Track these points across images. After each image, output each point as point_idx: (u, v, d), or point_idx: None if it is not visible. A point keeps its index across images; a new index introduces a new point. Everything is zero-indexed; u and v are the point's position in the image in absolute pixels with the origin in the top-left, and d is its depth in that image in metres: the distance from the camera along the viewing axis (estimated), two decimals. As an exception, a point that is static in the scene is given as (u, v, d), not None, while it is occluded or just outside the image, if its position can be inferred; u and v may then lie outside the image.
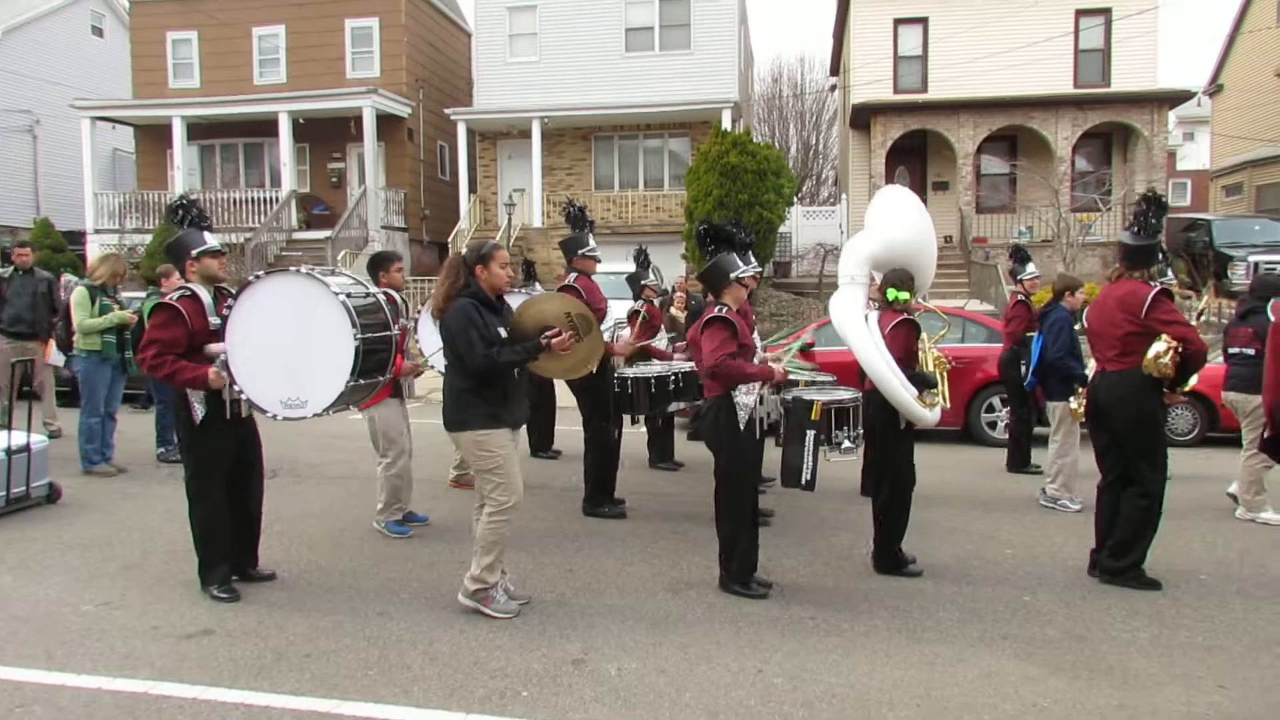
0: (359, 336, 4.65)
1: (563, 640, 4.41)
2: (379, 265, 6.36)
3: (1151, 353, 5.06)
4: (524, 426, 5.34)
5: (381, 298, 5.26)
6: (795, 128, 39.22)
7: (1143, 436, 5.23)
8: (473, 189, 23.81)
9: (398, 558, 5.70)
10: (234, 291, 4.88)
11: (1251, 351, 6.75)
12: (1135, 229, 5.25)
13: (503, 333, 4.58)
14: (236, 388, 4.76)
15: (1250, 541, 6.22)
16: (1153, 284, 5.15)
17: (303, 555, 5.73)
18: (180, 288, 4.93)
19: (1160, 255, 5.26)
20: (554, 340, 4.56)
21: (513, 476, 4.61)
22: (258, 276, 4.83)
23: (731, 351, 4.79)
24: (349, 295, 4.80)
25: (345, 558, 5.71)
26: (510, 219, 22.06)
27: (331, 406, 4.79)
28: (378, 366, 4.99)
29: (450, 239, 22.68)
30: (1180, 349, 5.05)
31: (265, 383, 4.75)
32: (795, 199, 22.71)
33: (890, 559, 5.50)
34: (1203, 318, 15.52)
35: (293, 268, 4.93)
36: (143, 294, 10.85)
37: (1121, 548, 5.28)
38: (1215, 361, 8.33)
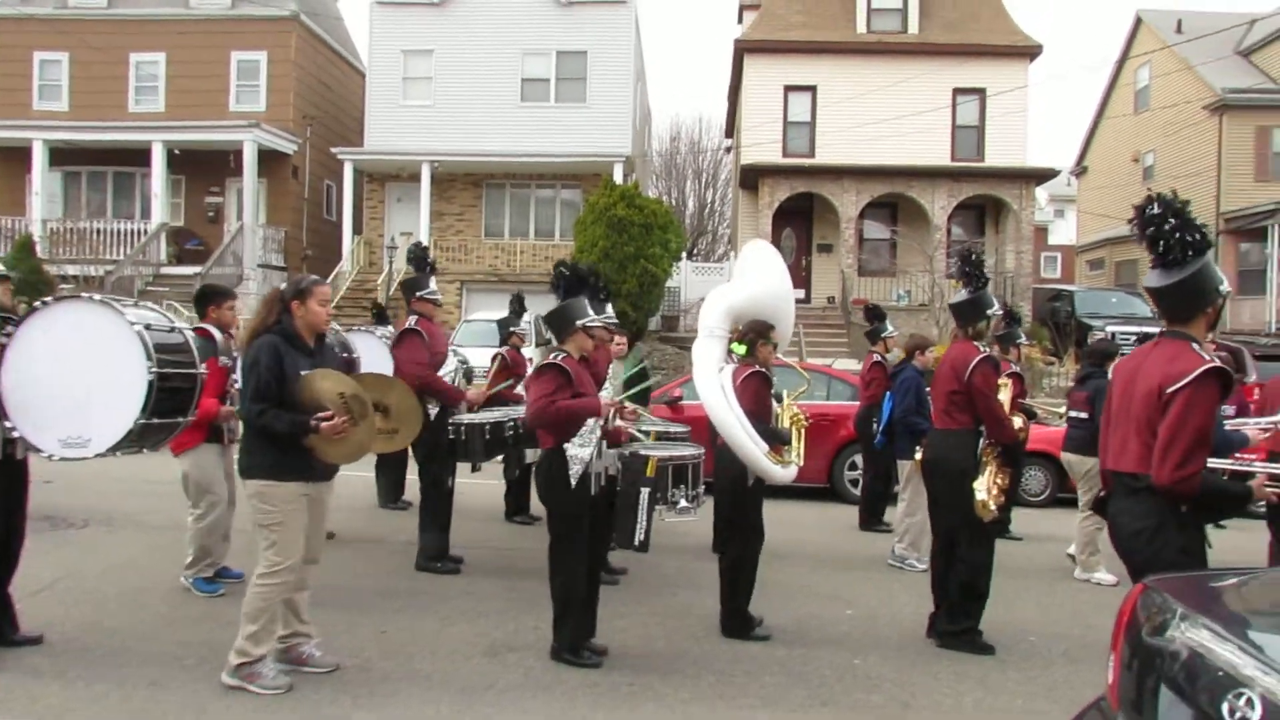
0: (154, 370, 4.25)
1: (356, 711, 4.03)
2: (209, 299, 5.89)
3: (979, 498, 5.01)
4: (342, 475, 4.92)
5: (190, 334, 4.86)
6: (692, 186, 39.90)
7: (961, 502, 5.08)
8: (358, 230, 23.26)
9: (196, 618, 5.19)
10: (17, 319, 4.43)
11: (1085, 415, 6.89)
12: (968, 286, 5.30)
13: None
14: (8, 424, 4.29)
15: (1081, 602, 6.27)
16: (982, 349, 5.17)
17: (84, 615, 5.15)
18: None
19: (988, 312, 5.27)
20: (324, 425, 4.08)
21: (292, 535, 4.18)
22: (44, 303, 4.41)
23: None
24: (148, 327, 4.41)
25: (135, 618, 5.16)
26: (394, 262, 21.55)
27: (118, 446, 4.35)
28: (178, 407, 4.59)
29: (329, 280, 21.99)
30: (1000, 483, 5.10)
31: (43, 419, 4.29)
32: (686, 255, 22.89)
33: (739, 623, 5.26)
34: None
35: (85, 294, 4.52)
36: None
37: (955, 612, 5.20)
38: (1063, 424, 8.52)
